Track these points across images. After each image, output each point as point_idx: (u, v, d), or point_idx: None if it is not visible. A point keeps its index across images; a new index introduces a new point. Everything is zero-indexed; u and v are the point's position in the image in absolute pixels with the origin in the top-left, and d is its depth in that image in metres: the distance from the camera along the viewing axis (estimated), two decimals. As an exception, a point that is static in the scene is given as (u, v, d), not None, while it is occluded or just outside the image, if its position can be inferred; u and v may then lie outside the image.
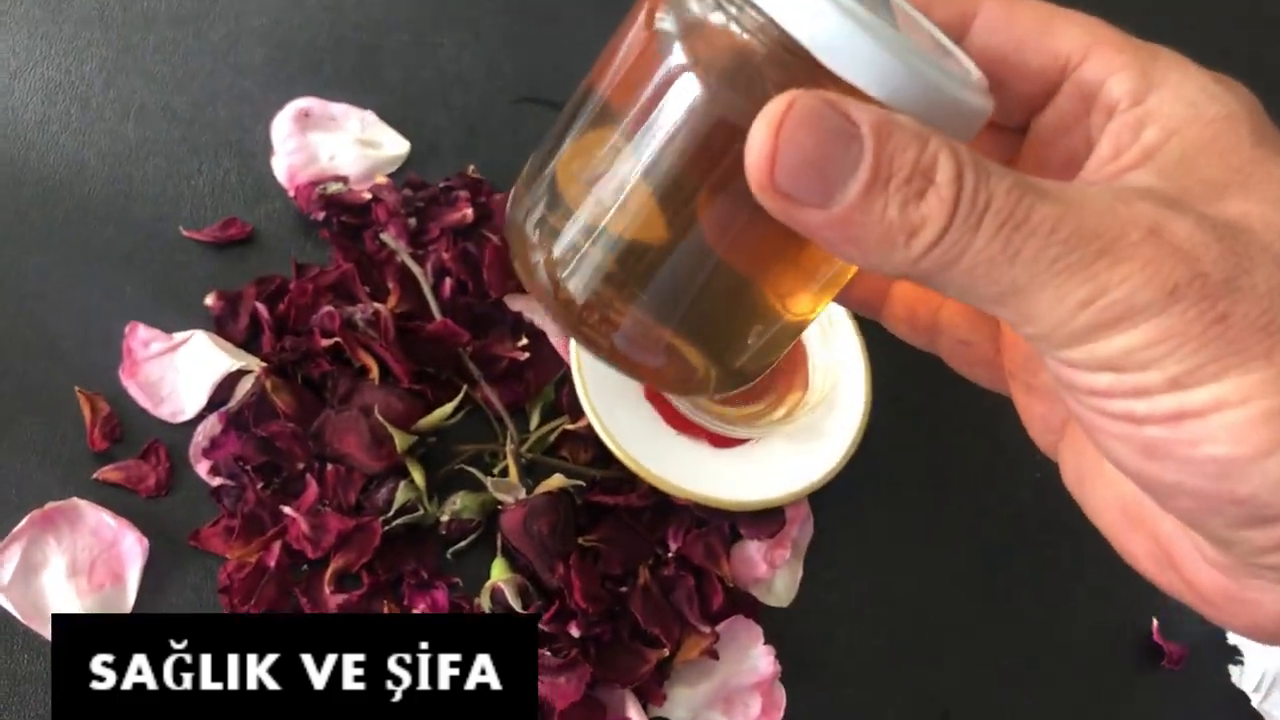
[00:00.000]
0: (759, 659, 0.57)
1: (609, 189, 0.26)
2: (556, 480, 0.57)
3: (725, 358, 0.29)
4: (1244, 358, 0.21)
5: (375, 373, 0.58)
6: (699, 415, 0.58)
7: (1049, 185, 0.22)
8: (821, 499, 0.61)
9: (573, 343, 0.59)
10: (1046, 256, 0.21)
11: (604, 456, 0.59)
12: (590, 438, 0.59)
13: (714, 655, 0.56)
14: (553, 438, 0.60)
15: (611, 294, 0.27)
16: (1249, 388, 0.21)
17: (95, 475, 0.56)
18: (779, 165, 0.22)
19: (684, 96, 0.24)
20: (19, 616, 0.52)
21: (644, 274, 0.26)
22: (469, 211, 0.64)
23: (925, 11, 0.27)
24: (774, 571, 0.60)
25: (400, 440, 0.56)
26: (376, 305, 0.58)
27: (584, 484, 0.57)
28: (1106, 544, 0.27)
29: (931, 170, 0.21)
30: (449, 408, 0.58)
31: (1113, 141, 0.25)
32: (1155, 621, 0.62)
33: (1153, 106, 0.25)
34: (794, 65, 0.23)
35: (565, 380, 0.61)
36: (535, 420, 0.61)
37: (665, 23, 0.25)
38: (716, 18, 0.24)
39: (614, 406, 0.58)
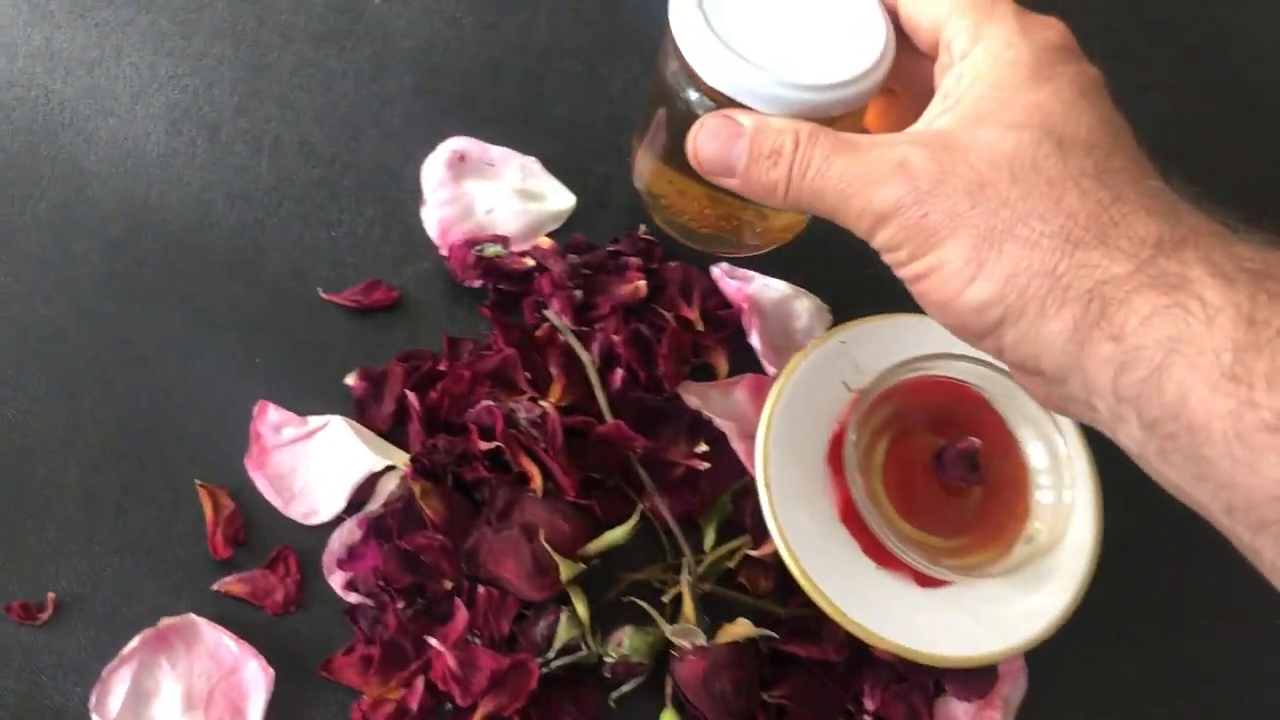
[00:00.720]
0: (963, 841, 0.49)
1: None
2: (742, 628, 0.49)
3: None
4: (938, 239, 0.35)
5: (538, 482, 0.50)
6: (896, 544, 0.49)
7: (858, 141, 0.38)
8: (1035, 649, 0.52)
9: (759, 452, 0.50)
10: (839, 191, 0.38)
11: (786, 587, 0.51)
12: (774, 566, 0.51)
13: (913, 839, 0.48)
14: (730, 563, 0.52)
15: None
16: (943, 256, 0.35)
17: (216, 587, 0.49)
18: (700, 155, 0.42)
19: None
20: (127, 756, 0.46)
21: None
22: (642, 284, 0.55)
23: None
24: (980, 735, 0.51)
25: (566, 570, 0.48)
26: (544, 405, 0.50)
27: (774, 634, 0.49)
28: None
29: (779, 148, 0.39)
30: (622, 532, 0.50)
31: (941, 93, 0.39)
32: None
33: (970, 59, 0.38)
34: (723, 99, 0.43)
35: (745, 492, 0.53)
36: (710, 538, 0.53)
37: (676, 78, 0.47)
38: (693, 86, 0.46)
39: (805, 530, 0.50)
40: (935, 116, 0.38)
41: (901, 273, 0.38)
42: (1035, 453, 0.52)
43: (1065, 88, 0.36)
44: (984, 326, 0.36)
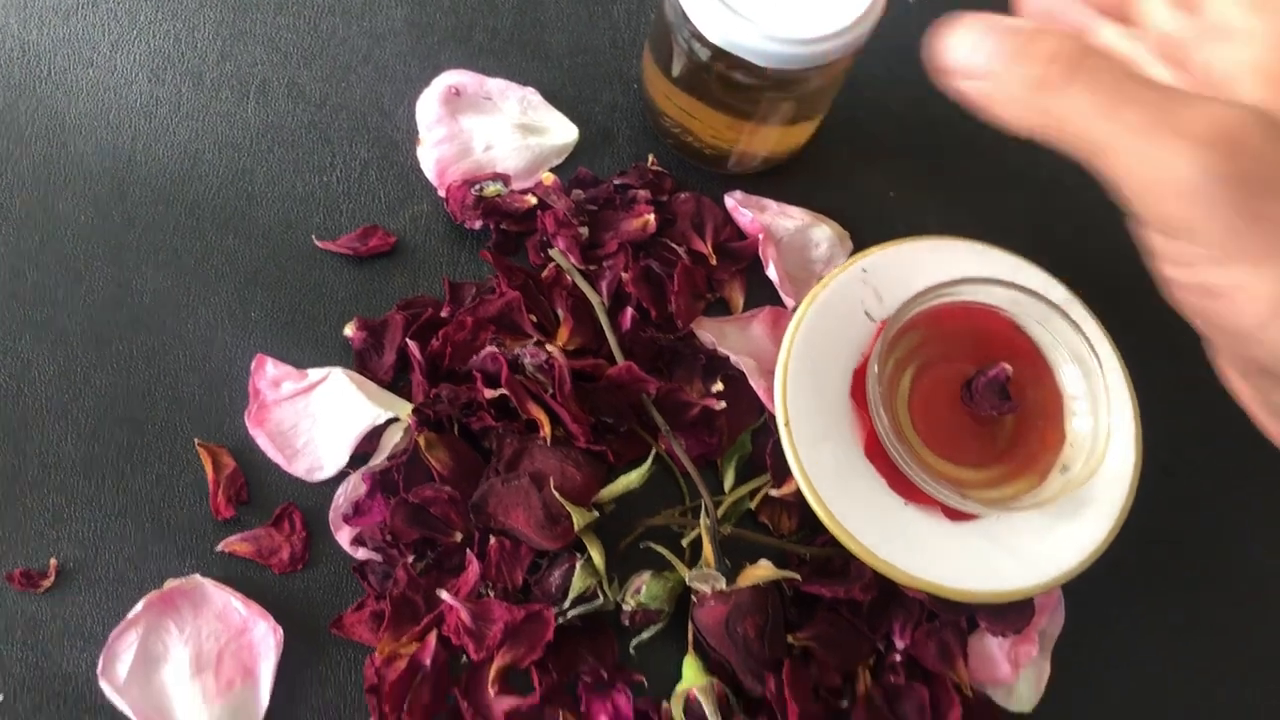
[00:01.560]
0: (1000, 781, 0.47)
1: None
2: (765, 570, 0.47)
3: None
4: (1257, 249, 0.25)
5: (547, 430, 0.48)
6: (924, 478, 0.47)
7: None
8: (1072, 582, 0.50)
9: (778, 389, 0.48)
10: (1142, 121, 0.27)
11: (810, 526, 0.49)
12: (795, 504, 0.49)
13: (950, 780, 0.46)
14: (751, 504, 0.50)
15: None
16: (1262, 279, 0.25)
17: (220, 547, 0.47)
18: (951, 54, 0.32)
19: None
20: (137, 721, 0.45)
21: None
22: (651, 219, 0.53)
23: None
24: (1018, 671, 0.49)
25: (579, 518, 0.46)
26: (549, 348, 0.48)
27: (798, 576, 0.47)
28: None
29: (1069, 52, 0.30)
30: (636, 475, 0.48)
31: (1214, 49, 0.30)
32: None
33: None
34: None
35: (764, 430, 0.51)
36: (730, 479, 0.51)
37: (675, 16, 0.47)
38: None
39: (828, 466, 0.47)
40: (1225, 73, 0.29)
41: (1178, 273, 0.28)
42: (1070, 378, 0.49)
43: None
44: None
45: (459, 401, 0.48)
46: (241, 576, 0.47)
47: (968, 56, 0.31)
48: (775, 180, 0.56)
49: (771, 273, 0.53)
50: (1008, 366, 0.48)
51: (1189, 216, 0.26)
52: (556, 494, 0.46)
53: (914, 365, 0.50)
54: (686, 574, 0.47)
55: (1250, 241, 0.25)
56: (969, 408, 0.49)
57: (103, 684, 0.45)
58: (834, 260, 0.55)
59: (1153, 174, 0.26)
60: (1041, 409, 0.49)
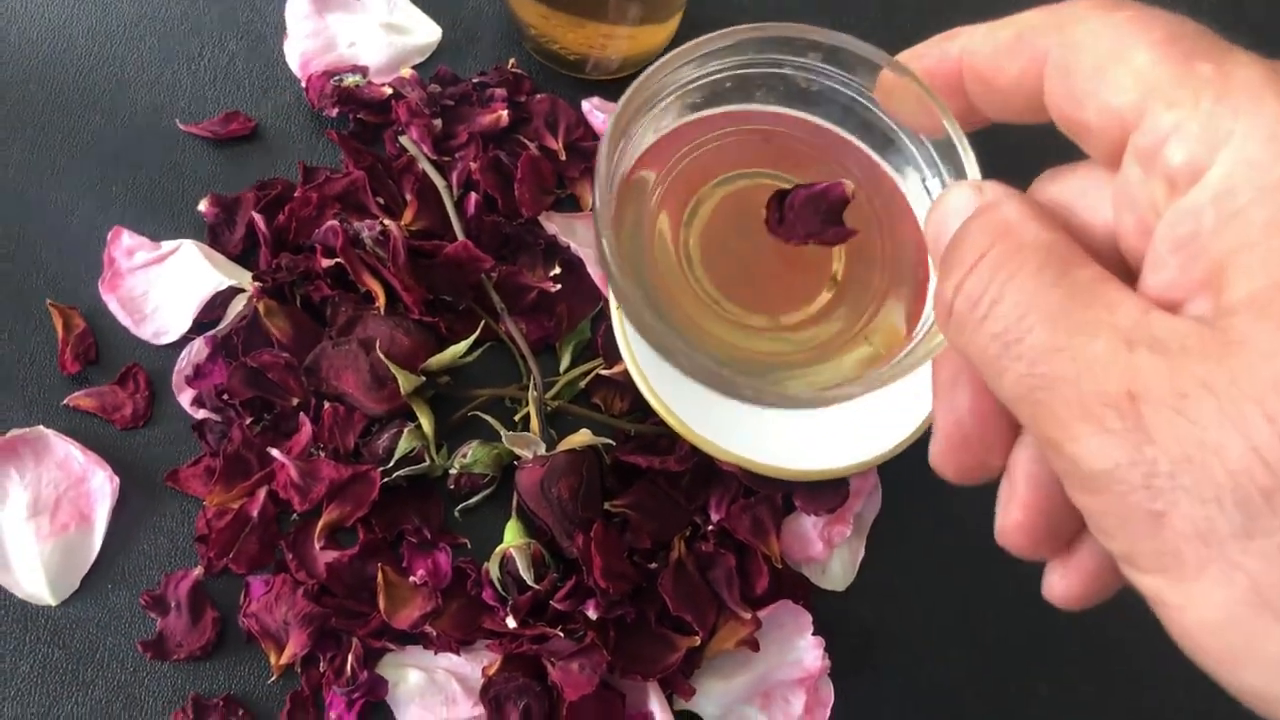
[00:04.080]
0: (806, 651, 0.49)
1: None
2: (582, 436, 0.49)
3: None
4: (1180, 564, 0.20)
5: (382, 300, 0.50)
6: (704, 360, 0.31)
7: (1078, 282, 0.22)
8: (890, 466, 0.52)
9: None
10: (1028, 383, 0.22)
11: (641, 407, 0.51)
12: (628, 386, 0.51)
13: (754, 646, 0.48)
14: (584, 383, 0.53)
15: None
16: (1189, 595, 0.20)
17: (65, 401, 0.49)
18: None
19: None
20: (-29, 558, 0.47)
21: None
22: (504, 113, 0.55)
23: (992, 73, 0.26)
24: (831, 551, 0.52)
25: (405, 382, 0.48)
26: (387, 222, 0.50)
27: (614, 442, 0.50)
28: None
29: (968, 252, 0.24)
30: (463, 345, 0.50)
31: (1164, 243, 0.22)
32: None
33: (1210, 181, 0.20)
34: None
35: (603, 317, 0.53)
36: (565, 361, 0.53)
37: None
38: None
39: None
40: (1165, 288, 0.22)
41: (1122, 569, 0.22)
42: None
43: None
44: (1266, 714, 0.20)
45: (297, 270, 0.50)
46: (85, 430, 0.49)
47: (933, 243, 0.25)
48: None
49: (620, 171, 0.55)
50: (848, 182, 0.31)
51: (1103, 513, 0.21)
52: (383, 357, 0.48)
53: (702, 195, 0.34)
54: (506, 436, 0.49)
55: (1173, 551, 0.20)
56: (775, 239, 0.32)
57: (-60, 522, 0.47)
58: (686, 165, 0.57)
59: (1065, 455, 0.21)
60: (892, 250, 0.33)
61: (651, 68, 0.30)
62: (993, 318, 0.22)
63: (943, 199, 0.25)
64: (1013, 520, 0.25)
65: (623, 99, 0.30)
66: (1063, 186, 0.25)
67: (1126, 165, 0.22)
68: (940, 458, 0.27)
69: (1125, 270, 0.23)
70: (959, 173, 0.29)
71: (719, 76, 0.32)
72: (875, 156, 0.32)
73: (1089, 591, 0.26)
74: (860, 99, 0.31)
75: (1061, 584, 0.26)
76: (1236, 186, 0.20)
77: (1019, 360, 0.21)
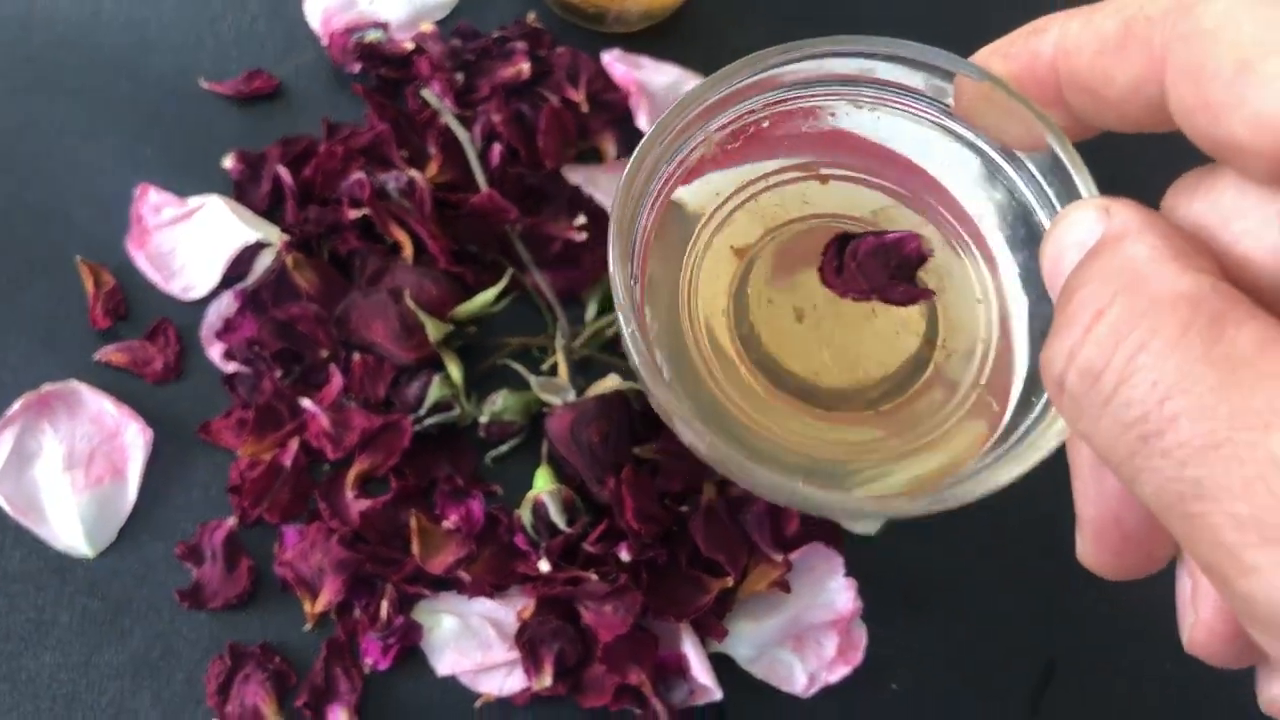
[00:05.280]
0: (837, 593, 0.49)
1: None
2: (611, 381, 0.49)
3: None
4: None
5: (409, 251, 0.50)
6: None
7: (1240, 350, 0.16)
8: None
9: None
10: (1167, 488, 0.17)
11: (669, 355, 0.51)
12: (654, 333, 0.52)
13: (785, 588, 0.48)
14: (610, 332, 0.53)
15: None
16: None
17: (97, 356, 0.50)
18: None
19: None
20: (9, 511, 0.47)
21: None
22: (525, 66, 0.55)
23: (1098, 79, 0.20)
24: (860, 494, 0.52)
25: (434, 329, 0.49)
26: (413, 173, 0.51)
27: (640, 388, 0.50)
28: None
29: (1085, 311, 0.18)
30: (491, 293, 0.50)
31: None
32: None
33: None
34: None
35: (628, 266, 0.53)
36: (592, 311, 0.53)
37: None
38: None
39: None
40: None
41: None
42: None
43: None
44: None
45: (325, 223, 0.50)
46: (117, 385, 0.50)
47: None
48: (654, 41, 0.58)
49: (642, 123, 0.56)
50: (925, 238, 0.27)
51: None
52: (412, 304, 0.49)
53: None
54: (535, 383, 0.49)
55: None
56: (834, 291, 0.27)
57: (-23, 476, 0.47)
58: (707, 117, 0.57)
59: (1232, 583, 0.16)
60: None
61: (659, 122, 0.26)
62: (1121, 402, 0.17)
63: (1058, 225, 0.20)
64: (1205, 628, 0.21)
65: (632, 159, 0.25)
66: (1209, 202, 0.19)
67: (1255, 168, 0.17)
68: (1093, 557, 0.23)
69: None
70: (1070, 195, 0.23)
71: (749, 115, 0.26)
72: (954, 193, 0.26)
73: None
74: (930, 115, 0.26)
75: (1274, 692, 0.20)
76: None
77: (1165, 460, 0.16)
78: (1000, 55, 0.22)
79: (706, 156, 0.27)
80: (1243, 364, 0.16)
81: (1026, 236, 0.25)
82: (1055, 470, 0.51)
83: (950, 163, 0.26)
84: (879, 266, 0.26)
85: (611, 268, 0.25)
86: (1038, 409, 0.24)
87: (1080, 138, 0.22)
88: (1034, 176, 0.24)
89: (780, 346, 0.26)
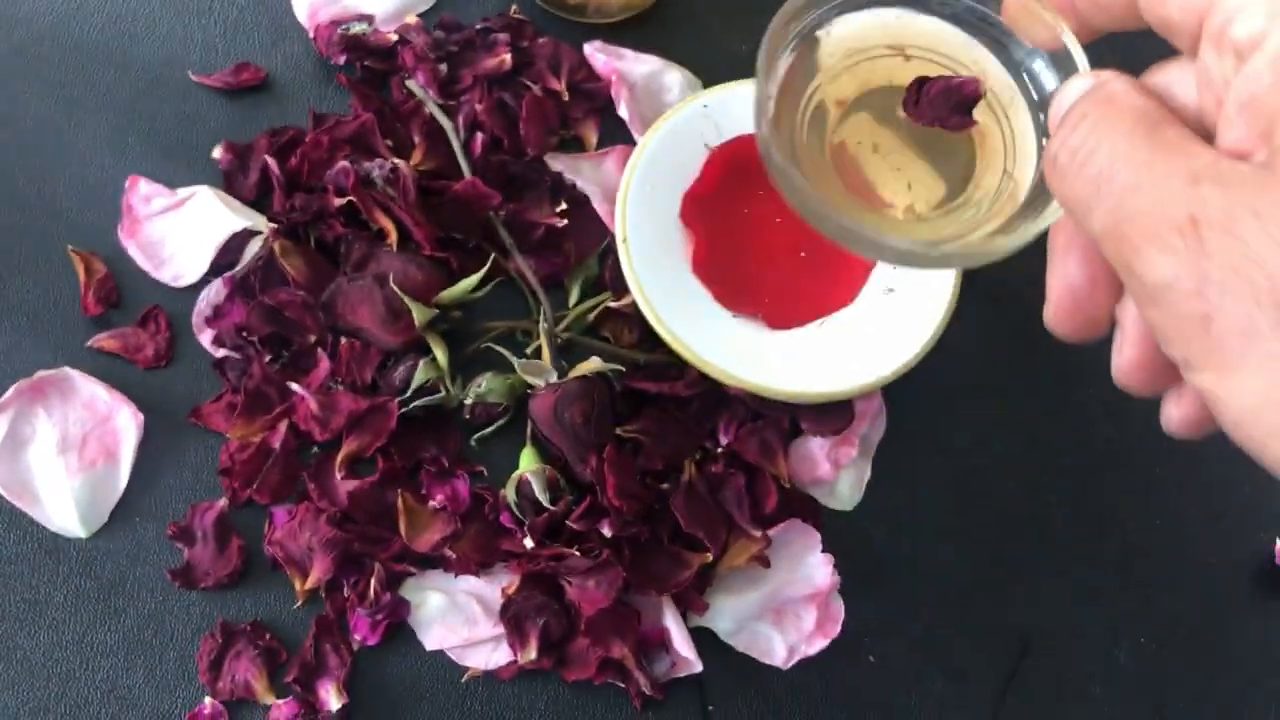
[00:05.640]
0: (816, 568, 0.51)
1: None
2: (593, 364, 0.50)
3: None
4: (1225, 357, 0.24)
5: (394, 237, 0.51)
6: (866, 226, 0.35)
7: (1166, 136, 0.25)
8: (896, 390, 0.53)
9: (619, 208, 0.51)
10: (1112, 216, 0.25)
11: (650, 339, 0.52)
12: (636, 317, 0.53)
13: (765, 563, 0.50)
14: (593, 316, 0.54)
15: None
16: (1230, 387, 0.24)
17: (89, 343, 0.51)
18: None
19: None
20: (4, 493, 0.48)
21: None
22: (507, 57, 0.56)
23: None
24: (838, 472, 0.53)
25: (419, 314, 0.50)
26: (397, 161, 0.52)
27: (623, 369, 0.51)
28: (1222, 459, 0.28)
29: (1077, 112, 0.28)
30: (475, 279, 0.51)
31: (1233, 105, 0.25)
32: (1279, 544, 0.54)
33: (1270, 45, 0.24)
34: None
35: (609, 252, 0.55)
36: (575, 296, 0.54)
37: None
38: None
39: (662, 282, 0.51)
40: (1234, 144, 0.25)
41: (1184, 374, 0.26)
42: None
43: None
44: None
45: (311, 210, 0.51)
46: (109, 371, 0.51)
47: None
48: (634, 33, 0.59)
49: (623, 111, 0.57)
50: (981, 80, 0.36)
51: (1161, 320, 0.25)
52: (397, 290, 0.50)
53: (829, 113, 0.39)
54: (519, 365, 0.50)
55: (1217, 346, 0.24)
56: (910, 117, 0.37)
57: (-29, 460, 0.48)
58: (687, 105, 0.58)
59: (1134, 272, 0.25)
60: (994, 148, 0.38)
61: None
62: (1089, 164, 0.26)
63: (1064, 85, 0.29)
64: (1126, 359, 0.29)
65: (779, 16, 0.35)
66: (1160, 77, 0.28)
67: (1203, 49, 0.26)
68: (1055, 319, 0.31)
69: (1208, 140, 0.26)
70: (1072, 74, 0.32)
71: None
72: (1003, 68, 0.36)
73: (1198, 417, 0.29)
74: (989, 21, 0.36)
75: (1176, 413, 0.29)
76: None
77: (1107, 198, 0.25)
78: None
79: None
80: (1164, 145, 0.25)
81: (1039, 102, 0.35)
82: (1034, 452, 0.52)
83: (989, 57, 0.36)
84: (944, 101, 0.36)
85: (758, 77, 0.34)
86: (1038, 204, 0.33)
87: (1087, 40, 0.31)
88: (1044, 67, 0.34)
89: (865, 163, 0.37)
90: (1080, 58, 0.32)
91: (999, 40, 0.36)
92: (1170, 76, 0.28)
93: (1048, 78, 0.34)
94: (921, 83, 0.36)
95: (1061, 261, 0.30)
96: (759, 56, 0.34)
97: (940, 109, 0.36)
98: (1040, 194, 0.34)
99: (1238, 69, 0.25)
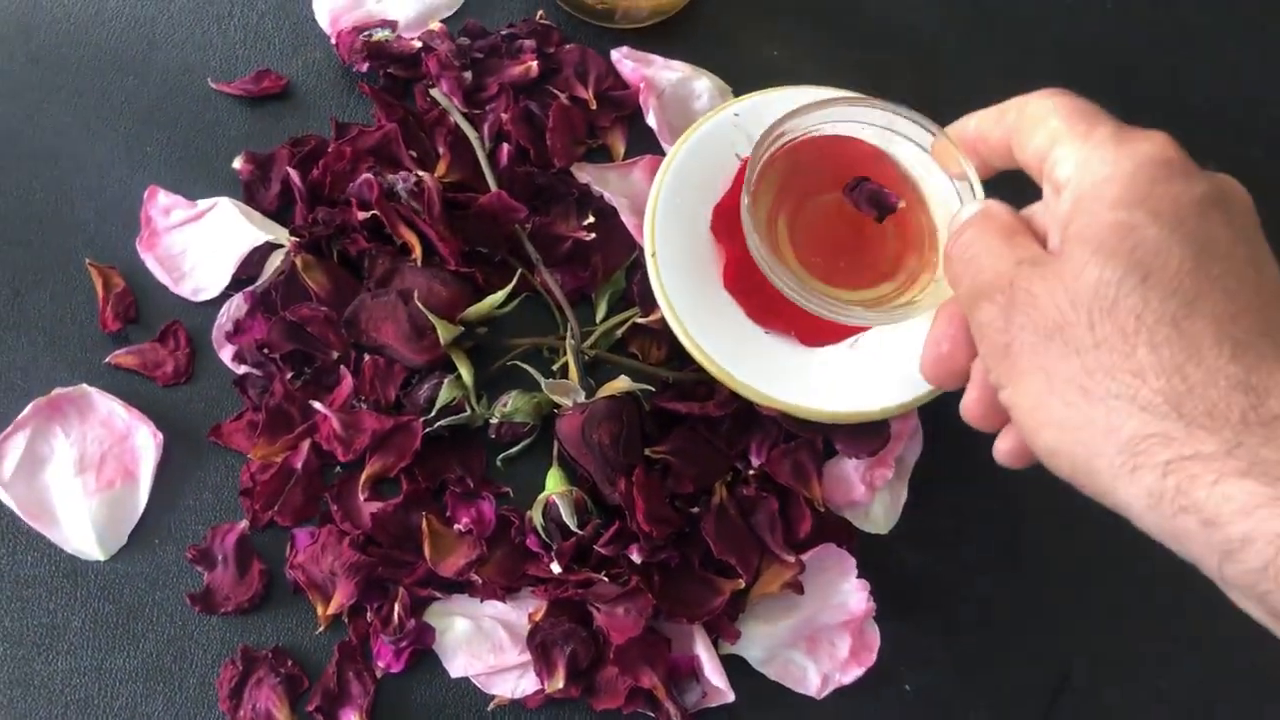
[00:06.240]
0: (850, 594, 0.49)
1: None
2: (621, 383, 0.49)
3: None
4: (1016, 373, 0.34)
5: (418, 252, 0.50)
6: (809, 298, 0.47)
7: (1014, 235, 0.37)
8: (931, 408, 0.51)
9: (648, 221, 0.50)
10: (959, 280, 0.37)
11: (679, 355, 0.51)
12: (664, 333, 0.51)
13: (798, 589, 0.48)
14: (620, 332, 0.52)
15: None
16: (1016, 395, 0.35)
17: (107, 359, 0.50)
18: None
19: None
20: (21, 515, 0.47)
21: None
22: (534, 64, 0.55)
23: (988, 138, 0.40)
24: (873, 494, 0.51)
25: (444, 331, 0.48)
26: (421, 174, 0.50)
27: (653, 388, 0.50)
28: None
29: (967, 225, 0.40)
30: (501, 295, 0.50)
31: (1054, 224, 0.36)
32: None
33: (1069, 185, 0.35)
34: None
35: (637, 266, 0.53)
36: (602, 311, 0.53)
37: None
38: None
39: (692, 297, 0.49)
40: (1054, 246, 0.35)
41: (999, 396, 0.36)
42: (937, 203, 0.49)
43: (1163, 210, 0.32)
44: (1061, 475, 0.34)
45: (333, 224, 0.50)
46: (127, 388, 0.50)
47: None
48: (662, 38, 0.58)
49: (652, 120, 0.55)
50: (901, 201, 0.49)
51: (982, 347, 0.36)
52: (422, 307, 0.48)
53: (791, 198, 0.50)
54: (545, 384, 0.49)
55: (1013, 365, 0.34)
56: (849, 227, 0.49)
57: (-11, 480, 0.47)
58: (716, 112, 0.57)
59: (972, 318, 0.36)
60: (917, 231, 0.49)
61: (772, 126, 0.47)
62: (966, 254, 0.37)
63: (962, 207, 0.40)
64: (971, 400, 0.39)
65: (758, 147, 0.47)
66: (1032, 209, 0.39)
67: (1045, 187, 0.37)
68: (926, 369, 0.41)
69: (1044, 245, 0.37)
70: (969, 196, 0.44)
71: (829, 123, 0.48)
72: (921, 186, 0.48)
73: (1019, 449, 0.39)
74: (918, 147, 0.47)
75: (1004, 445, 0.39)
76: (1082, 189, 0.34)
77: (971, 275, 0.36)
78: (957, 128, 0.42)
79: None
80: (1012, 243, 0.36)
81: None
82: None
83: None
84: (870, 199, 0.48)
85: (744, 193, 0.46)
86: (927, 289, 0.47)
87: (987, 176, 0.42)
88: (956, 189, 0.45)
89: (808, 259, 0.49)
90: (978, 186, 0.43)
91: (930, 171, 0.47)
92: (1036, 209, 0.38)
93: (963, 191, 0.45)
94: (861, 179, 0.48)
95: (935, 326, 0.41)
96: (753, 162, 0.46)
97: (866, 203, 0.48)
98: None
99: (1057, 200, 0.35)
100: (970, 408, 0.39)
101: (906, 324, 0.51)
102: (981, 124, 0.40)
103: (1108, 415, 0.31)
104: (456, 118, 0.53)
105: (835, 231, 0.50)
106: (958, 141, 0.43)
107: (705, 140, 0.52)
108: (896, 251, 0.49)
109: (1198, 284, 0.31)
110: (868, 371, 0.50)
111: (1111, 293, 0.32)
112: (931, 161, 0.47)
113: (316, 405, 0.49)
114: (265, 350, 0.50)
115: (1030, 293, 0.33)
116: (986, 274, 0.35)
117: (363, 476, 0.48)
